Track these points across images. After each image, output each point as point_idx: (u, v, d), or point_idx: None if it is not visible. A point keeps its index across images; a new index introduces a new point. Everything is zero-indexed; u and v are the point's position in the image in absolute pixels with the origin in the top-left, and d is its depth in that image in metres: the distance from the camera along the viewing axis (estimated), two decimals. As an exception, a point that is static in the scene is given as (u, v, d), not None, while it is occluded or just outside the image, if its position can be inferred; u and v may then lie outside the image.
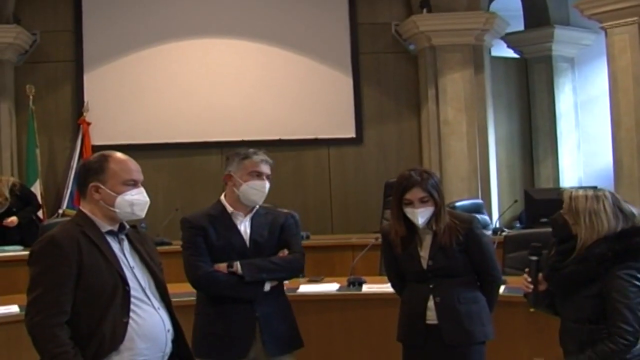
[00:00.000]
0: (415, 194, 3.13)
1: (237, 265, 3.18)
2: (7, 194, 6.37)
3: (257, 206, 3.32)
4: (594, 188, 2.89)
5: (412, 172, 3.19)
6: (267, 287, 3.22)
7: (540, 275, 2.93)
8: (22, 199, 6.54)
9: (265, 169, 3.29)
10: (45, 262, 2.40)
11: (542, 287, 2.93)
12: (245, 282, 3.16)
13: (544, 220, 5.14)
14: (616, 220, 2.76)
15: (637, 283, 2.68)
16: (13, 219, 6.40)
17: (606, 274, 2.70)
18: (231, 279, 3.17)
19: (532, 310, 3.00)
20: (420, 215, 3.14)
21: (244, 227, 3.27)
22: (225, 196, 3.33)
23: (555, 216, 2.93)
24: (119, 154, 2.61)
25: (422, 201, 3.14)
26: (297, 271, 3.37)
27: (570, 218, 2.82)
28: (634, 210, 2.81)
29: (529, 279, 2.93)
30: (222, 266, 3.19)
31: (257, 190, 3.25)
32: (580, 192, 2.83)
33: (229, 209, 3.28)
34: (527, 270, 2.97)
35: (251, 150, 3.33)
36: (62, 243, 2.42)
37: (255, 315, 3.18)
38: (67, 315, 2.38)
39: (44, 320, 2.35)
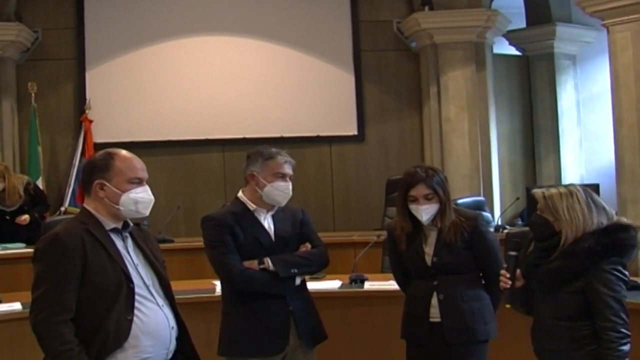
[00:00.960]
0: (419, 190, 3.14)
1: (268, 262, 3.18)
2: (22, 192, 6.41)
3: None
4: (565, 185, 2.92)
5: (417, 169, 3.20)
6: (298, 281, 3.24)
7: (518, 271, 2.92)
8: (34, 198, 6.58)
9: (289, 170, 3.29)
10: (50, 260, 2.41)
11: (519, 283, 2.92)
12: (279, 277, 3.16)
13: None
14: (590, 211, 2.79)
15: (622, 277, 2.72)
16: (26, 217, 6.42)
17: (593, 268, 2.72)
18: (265, 276, 3.16)
19: (507, 306, 3.01)
20: (425, 212, 3.14)
21: (267, 223, 3.28)
22: (244, 193, 3.32)
23: (533, 218, 2.93)
24: (124, 152, 2.61)
25: (427, 198, 3.14)
26: (324, 264, 3.37)
27: (550, 215, 2.83)
28: (606, 206, 2.84)
29: (508, 275, 2.92)
30: (253, 263, 3.18)
31: (282, 191, 3.25)
32: (553, 190, 2.86)
33: (251, 206, 3.27)
34: (505, 266, 2.97)
35: (274, 150, 3.32)
36: (67, 241, 2.42)
37: (289, 310, 3.19)
38: (71, 312, 2.38)
39: (48, 317, 2.35)
